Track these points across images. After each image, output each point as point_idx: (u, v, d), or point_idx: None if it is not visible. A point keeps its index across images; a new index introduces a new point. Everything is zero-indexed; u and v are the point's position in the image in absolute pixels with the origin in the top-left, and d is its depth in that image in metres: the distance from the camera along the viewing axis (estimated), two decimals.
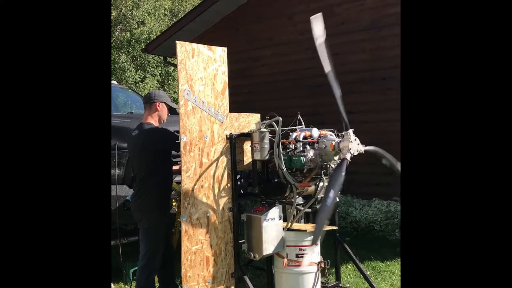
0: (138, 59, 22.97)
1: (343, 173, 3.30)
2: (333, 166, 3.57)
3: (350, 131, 3.46)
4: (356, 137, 3.47)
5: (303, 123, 3.94)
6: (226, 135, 3.78)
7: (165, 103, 3.91)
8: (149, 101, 3.88)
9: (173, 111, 4.09)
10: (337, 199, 3.84)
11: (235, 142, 3.79)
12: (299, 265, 3.66)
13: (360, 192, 6.71)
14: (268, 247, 3.63)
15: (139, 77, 22.34)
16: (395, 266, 5.15)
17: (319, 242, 3.59)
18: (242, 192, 3.95)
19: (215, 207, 3.70)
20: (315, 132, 3.73)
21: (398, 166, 3.52)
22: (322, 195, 3.75)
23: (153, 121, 3.87)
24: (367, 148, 3.54)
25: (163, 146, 3.77)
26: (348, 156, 3.38)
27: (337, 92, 3.54)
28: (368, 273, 4.44)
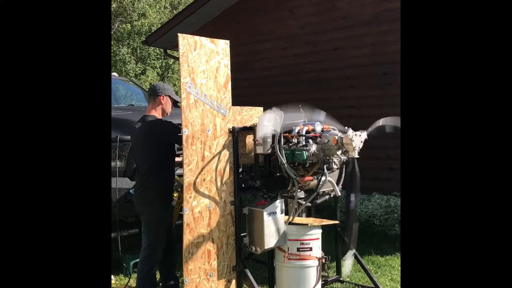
0: (138, 52, 22.92)
1: (358, 174, 3.44)
2: (335, 160, 3.57)
3: (349, 131, 3.46)
4: (355, 133, 3.48)
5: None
6: (229, 129, 3.77)
7: (169, 96, 3.90)
8: (154, 94, 3.86)
9: (177, 104, 4.08)
10: (339, 194, 3.85)
11: (237, 135, 3.79)
12: (300, 259, 3.67)
13: (360, 186, 6.70)
14: (270, 241, 3.64)
15: (140, 70, 22.30)
16: (395, 261, 5.16)
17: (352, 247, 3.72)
18: (244, 186, 3.95)
19: (217, 200, 3.70)
20: (318, 126, 3.72)
21: (356, 224, 3.67)
22: (324, 190, 3.76)
23: (157, 114, 3.85)
24: (356, 164, 3.57)
25: (166, 139, 3.76)
26: (350, 134, 3.42)
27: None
28: (368, 267, 4.45)
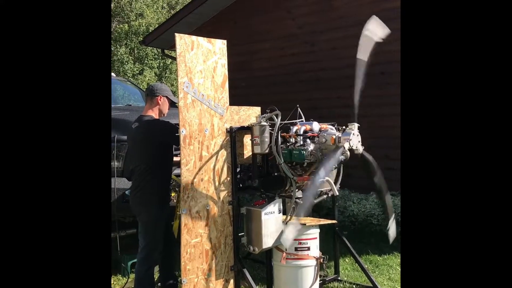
0: (136, 52, 22.92)
1: (336, 158, 3.36)
2: None
3: (356, 125, 3.47)
4: (358, 133, 3.49)
5: (303, 116, 3.94)
6: (226, 128, 3.77)
7: (166, 97, 3.89)
8: (151, 94, 3.86)
9: (174, 105, 4.08)
10: (337, 193, 3.84)
11: (235, 135, 3.79)
12: (298, 259, 3.67)
13: (357, 186, 6.71)
14: (268, 241, 3.64)
15: (137, 70, 22.30)
16: (393, 260, 5.17)
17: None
18: (241, 185, 3.95)
19: (214, 200, 3.70)
20: (316, 126, 3.73)
21: (387, 195, 3.55)
22: (322, 189, 3.76)
23: (153, 114, 3.85)
24: (365, 153, 3.55)
25: (164, 139, 3.76)
26: (346, 146, 3.39)
27: (360, 83, 3.52)
28: (366, 266, 4.46)
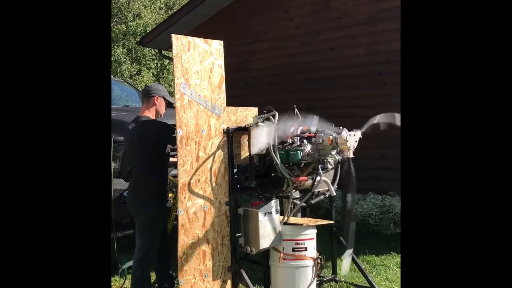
0: (134, 52, 22.89)
1: (354, 174, 3.46)
2: (330, 160, 3.58)
3: (343, 132, 3.48)
4: (349, 133, 3.49)
5: (300, 117, 3.94)
6: (223, 129, 3.77)
7: (163, 97, 3.89)
8: (148, 95, 3.86)
9: (171, 106, 4.07)
10: (334, 193, 3.85)
11: (232, 136, 3.78)
12: (295, 259, 3.67)
13: (356, 186, 6.72)
14: (265, 241, 3.64)
15: (135, 70, 22.28)
16: (390, 260, 5.17)
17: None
18: (238, 186, 3.95)
19: (212, 201, 3.70)
20: (313, 126, 3.72)
21: (398, 121, 3.47)
22: (319, 189, 3.76)
23: (150, 114, 3.85)
24: (362, 130, 3.56)
25: (161, 139, 3.75)
26: (351, 154, 3.42)
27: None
28: (363, 267, 4.46)
